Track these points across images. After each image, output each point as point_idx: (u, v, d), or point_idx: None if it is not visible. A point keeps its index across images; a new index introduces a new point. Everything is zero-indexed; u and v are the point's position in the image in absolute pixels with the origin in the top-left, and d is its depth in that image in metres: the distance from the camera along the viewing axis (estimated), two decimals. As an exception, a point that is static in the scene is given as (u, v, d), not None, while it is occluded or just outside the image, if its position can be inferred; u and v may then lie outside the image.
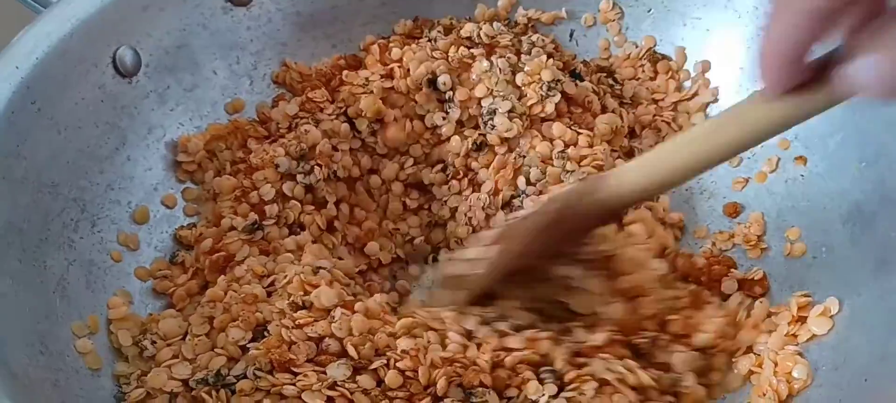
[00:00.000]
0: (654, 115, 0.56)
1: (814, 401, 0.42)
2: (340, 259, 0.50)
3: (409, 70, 0.55)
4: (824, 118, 0.49)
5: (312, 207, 0.52)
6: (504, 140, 0.53)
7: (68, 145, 0.47)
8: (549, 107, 0.53)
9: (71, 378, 0.40)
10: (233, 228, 0.50)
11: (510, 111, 0.53)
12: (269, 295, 0.45)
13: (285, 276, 0.45)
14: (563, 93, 0.54)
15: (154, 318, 0.45)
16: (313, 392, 0.39)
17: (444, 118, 0.55)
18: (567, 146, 0.53)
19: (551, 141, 0.53)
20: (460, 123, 0.55)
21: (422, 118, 0.55)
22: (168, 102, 0.53)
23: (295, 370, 0.41)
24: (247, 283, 0.46)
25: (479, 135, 0.54)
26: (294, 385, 0.40)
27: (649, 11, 0.58)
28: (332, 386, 0.40)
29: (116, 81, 0.50)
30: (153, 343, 0.44)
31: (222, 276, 0.47)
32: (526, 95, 0.53)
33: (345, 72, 0.56)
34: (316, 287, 0.44)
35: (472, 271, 0.45)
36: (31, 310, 0.41)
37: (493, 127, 0.53)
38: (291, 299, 0.43)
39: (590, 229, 0.45)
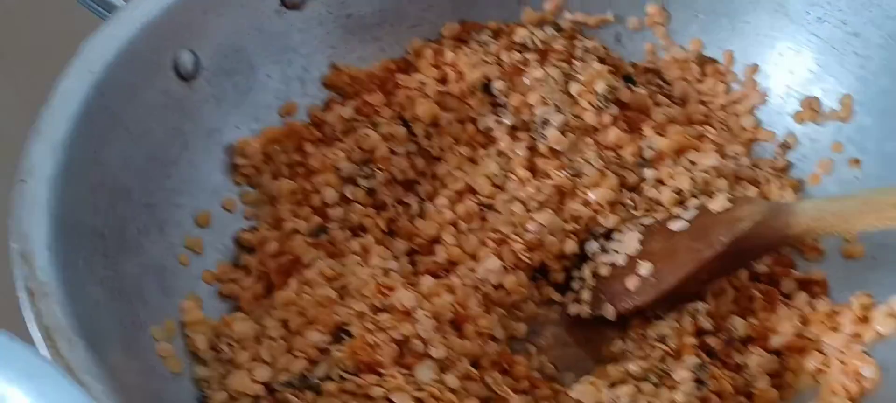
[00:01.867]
0: (705, 116, 0.57)
1: (884, 401, 0.42)
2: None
3: (462, 74, 0.55)
4: (879, 121, 0.51)
5: (373, 210, 0.52)
6: (553, 151, 0.54)
7: (139, 150, 0.47)
8: (606, 119, 0.54)
9: (156, 382, 0.41)
10: (296, 232, 0.50)
11: (564, 124, 0.53)
12: (341, 297, 0.46)
13: (358, 278, 0.45)
14: (616, 100, 0.54)
15: (226, 321, 0.45)
16: (403, 392, 0.40)
17: (497, 122, 0.55)
18: (619, 149, 0.54)
19: (607, 148, 0.54)
20: (513, 128, 0.55)
21: (475, 122, 0.56)
22: (224, 105, 0.53)
23: (381, 371, 0.41)
24: (318, 286, 0.46)
25: (531, 138, 0.54)
26: (381, 386, 0.40)
27: (696, 15, 0.59)
28: (420, 388, 0.40)
29: (178, 85, 0.50)
30: (230, 346, 0.44)
31: (292, 279, 0.47)
32: (579, 104, 0.54)
33: (399, 75, 0.57)
34: (391, 289, 0.44)
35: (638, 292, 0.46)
36: (119, 316, 0.41)
37: (545, 137, 0.53)
38: (369, 301, 0.44)
39: (756, 257, 0.46)
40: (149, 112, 0.48)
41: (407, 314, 0.43)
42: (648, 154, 0.53)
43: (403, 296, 0.44)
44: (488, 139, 0.56)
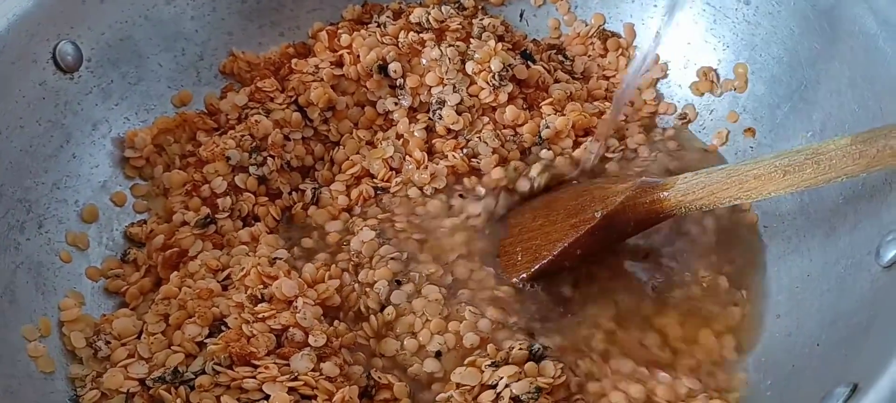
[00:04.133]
0: (607, 90, 0.56)
1: (769, 367, 0.43)
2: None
3: (358, 57, 0.54)
4: (771, 89, 0.51)
5: (266, 198, 0.51)
6: (450, 131, 0.53)
7: (10, 145, 0.45)
8: (502, 97, 0.53)
9: (24, 383, 0.39)
10: (185, 223, 0.49)
11: (459, 104, 0.53)
12: (225, 288, 0.45)
13: (242, 269, 0.44)
14: (513, 78, 0.54)
15: (107, 318, 0.44)
16: (275, 384, 0.39)
17: (395, 104, 0.55)
18: (518, 127, 0.54)
19: (505, 127, 0.53)
20: (412, 109, 0.54)
21: (373, 104, 0.55)
22: (112, 97, 0.52)
23: (255, 363, 0.40)
24: (201, 278, 0.45)
25: (428, 119, 0.54)
26: (255, 378, 0.39)
27: (598, -10, 0.59)
28: (295, 377, 0.39)
29: (58, 77, 0.49)
30: (107, 343, 0.43)
31: (175, 272, 0.46)
32: (476, 83, 0.53)
33: (294, 60, 0.56)
34: (274, 278, 0.43)
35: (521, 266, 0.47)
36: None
37: (441, 117, 0.53)
38: (250, 292, 0.43)
39: (631, 232, 0.46)
40: (22, 106, 0.46)
41: (288, 303, 0.42)
42: (546, 133, 0.53)
43: (285, 285, 0.43)
44: (388, 122, 0.55)
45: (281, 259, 0.46)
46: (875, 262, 0.39)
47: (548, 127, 0.53)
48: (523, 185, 0.51)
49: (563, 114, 0.53)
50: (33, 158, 0.47)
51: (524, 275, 0.47)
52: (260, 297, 0.43)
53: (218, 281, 0.45)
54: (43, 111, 0.48)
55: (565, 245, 0.46)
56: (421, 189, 0.52)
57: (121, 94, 0.52)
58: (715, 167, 0.44)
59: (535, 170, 0.51)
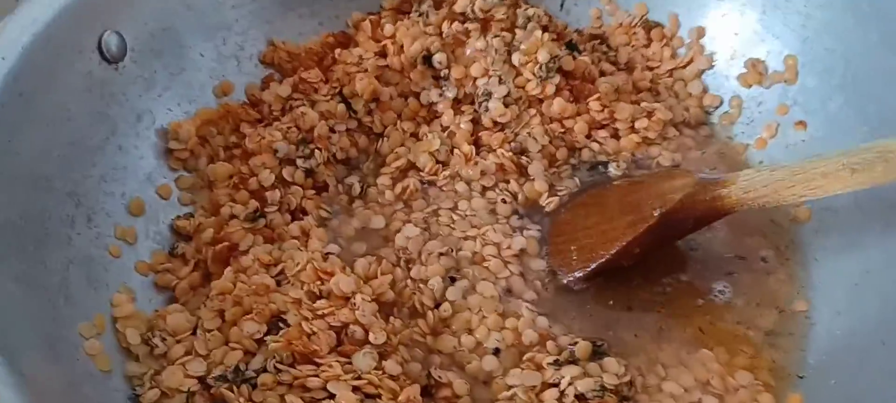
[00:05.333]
0: (651, 81, 0.56)
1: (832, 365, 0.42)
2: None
3: (402, 47, 0.54)
4: (823, 81, 0.51)
5: (313, 192, 0.51)
6: (497, 123, 0.52)
7: (58, 137, 0.45)
8: (550, 89, 0.52)
9: (83, 381, 0.39)
10: (233, 217, 0.48)
11: (506, 96, 0.52)
12: (279, 284, 0.44)
13: (295, 264, 0.44)
14: (559, 69, 0.53)
15: (161, 314, 0.44)
16: (339, 383, 0.38)
17: (440, 95, 0.54)
18: (565, 120, 0.53)
19: (552, 120, 0.53)
20: (457, 101, 0.54)
21: (417, 96, 0.54)
22: (155, 87, 0.51)
23: (318, 361, 0.39)
24: (255, 273, 0.44)
25: (474, 111, 0.53)
26: (318, 376, 0.39)
27: (641, -21, 0.58)
28: (359, 376, 0.39)
29: (103, 68, 0.48)
30: (163, 340, 0.42)
31: (228, 267, 0.45)
32: (522, 75, 0.53)
33: (337, 50, 0.55)
34: (330, 274, 0.43)
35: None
36: (39, 313, 0.39)
37: (487, 109, 0.52)
38: (307, 288, 0.42)
39: (688, 230, 0.46)
40: (69, 97, 0.46)
41: (345, 300, 0.42)
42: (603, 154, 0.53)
43: (342, 281, 0.42)
44: (432, 113, 0.54)
45: (333, 254, 0.46)
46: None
47: (604, 150, 0.52)
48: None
49: (609, 107, 0.53)
50: (81, 150, 0.46)
51: (580, 274, 0.46)
52: (318, 294, 0.42)
53: (272, 276, 0.44)
54: (89, 102, 0.47)
55: (623, 244, 0.45)
56: (469, 184, 0.51)
57: (164, 85, 0.51)
58: (777, 165, 0.43)
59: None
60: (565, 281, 0.47)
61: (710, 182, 0.44)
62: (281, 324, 0.41)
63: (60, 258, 0.42)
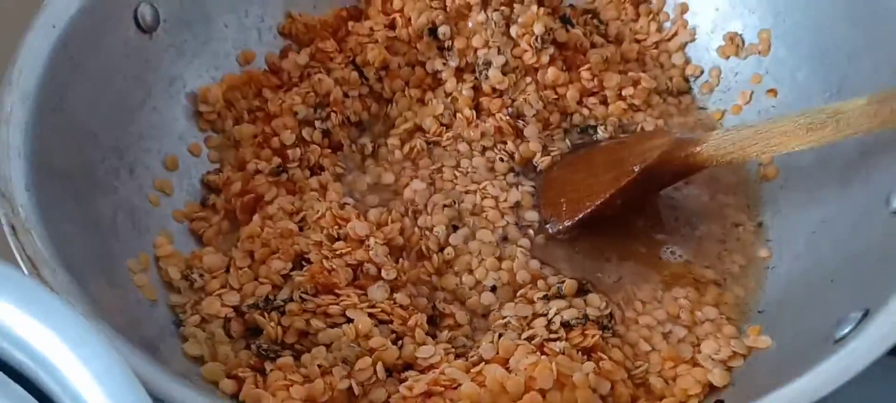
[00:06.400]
0: (638, 53, 0.61)
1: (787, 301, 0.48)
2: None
3: (410, 20, 0.59)
4: (792, 52, 0.56)
5: (329, 150, 0.56)
6: (496, 89, 0.58)
7: (102, 97, 0.50)
8: (544, 59, 0.58)
9: (134, 307, 0.44)
10: (259, 172, 0.54)
11: (504, 65, 0.57)
12: (301, 229, 0.50)
13: (316, 212, 0.49)
14: (553, 41, 0.58)
15: (197, 255, 0.49)
16: (356, 310, 0.44)
17: (444, 64, 0.59)
18: (560, 87, 0.58)
19: (546, 88, 0.58)
20: (459, 69, 0.59)
21: (423, 65, 0.60)
22: (186, 55, 0.56)
23: (337, 292, 0.45)
24: (280, 220, 0.50)
25: (475, 79, 0.58)
26: (338, 304, 0.44)
27: (631, -45, 0.63)
28: (373, 305, 0.45)
29: (138, 36, 0.53)
30: (201, 275, 0.48)
31: (255, 215, 0.51)
32: (519, 46, 0.58)
33: (350, 23, 0.60)
34: (347, 220, 0.49)
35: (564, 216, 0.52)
36: (95, 250, 0.44)
37: (487, 77, 0.57)
38: (326, 232, 0.48)
39: (666, 184, 0.51)
40: (111, 62, 0.51)
41: (360, 242, 0.48)
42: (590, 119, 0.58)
43: (357, 226, 0.48)
44: (436, 81, 0.60)
45: (349, 204, 0.51)
46: (885, 209, 0.44)
47: (593, 115, 0.57)
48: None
49: (598, 76, 0.58)
50: (121, 110, 0.51)
51: (568, 224, 0.52)
52: (336, 236, 0.48)
53: (294, 223, 0.50)
54: (128, 67, 0.52)
55: (607, 196, 0.51)
56: (470, 144, 0.57)
57: (193, 53, 0.56)
58: (744, 125, 0.49)
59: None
60: (554, 231, 0.52)
61: (685, 140, 0.50)
62: (304, 263, 0.47)
63: (108, 204, 0.48)
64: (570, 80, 0.58)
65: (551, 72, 0.58)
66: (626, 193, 0.50)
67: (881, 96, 0.43)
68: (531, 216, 0.53)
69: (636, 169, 0.50)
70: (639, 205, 0.52)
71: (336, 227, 0.48)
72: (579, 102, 0.58)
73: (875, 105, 0.43)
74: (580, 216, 0.51)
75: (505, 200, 0.54)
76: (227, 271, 0.48)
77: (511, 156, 0.56)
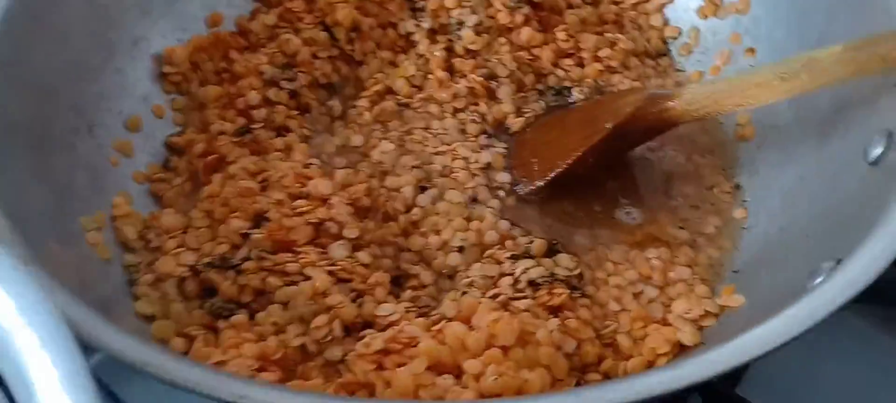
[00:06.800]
0: (616, 15, 0.59)
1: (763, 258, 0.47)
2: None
3: (380, -23, 0.57)
4: (769, 11, 0.54)
5: (297, 112, 0.55)
6: (469, 50, 0.56)
7: (62, 53, 0.48)
8: (519, 19, 0.56)
9: (87, 265, 0.43)
10: (223, 133, 0.52)
11: (478, 25, 0.56)
12: (263, 189, 0.48)
13: (279, 171, 0.48)
14: (530, 1, 0.57)
15: (155, 215, 0.48)
16: (315, 268, 0.43)
17: (416, 26, 0.58)
18: (533, 49, 0.57)
19: (520, 48, 0.56)
20: (432, 31, 0.58)
21: (395, 26, 0.58)
22: (151, 15, 0.55)
23: (296, 250, 0.44)
24: (241, 180, 0.49)
25: (448, 40, 0.57)
26: (296, 262, 0.43)
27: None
28: (333, 263, 0.43)
29: (101, -7, 0.52)
30: (158, 236, 0.46)
31: (217, 174, 0.50)
32: (493, 6, 0.56)
33: (321, -18, 0.58)
34: (310, 178, 0.47)
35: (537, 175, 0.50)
36: (48, 202, 0.43)
37: (460, 38, 0.56)
38: (288, 191, 0.46)
39: (641, 140, 0.50)
40: (72, 18, 0.50)
41: (323, 200, 0.46)
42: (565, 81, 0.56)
43: (320, 184, 0.47)
44: (409, 43, 0.58)
45: (314, 164, 0.50)
46: (863, 161, 0.43)
47: (571, 81, 0.56)
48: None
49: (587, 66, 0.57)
50: (82, 69, 0.50)
51: (541, 183, 0.50)
52: (297, 195, 0.47)
53: (256, 182, 0.48)
54: (89, 24, 0.51)
55: (578, 154, 0.49)
56: (441, 106, 0.55)
57: (159, 13, 0.55)
58: (718, 77, 0.47)
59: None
60: (524, 191, 0.51)
61: (658, 95, 0.49)
62: (264, 222, 0.46)
63: (66, 160, 0.46)
64: (545, 41, 0.57)
65: (525, 33, 0.56)
66: (598, 151, 0.49)
67: (856, 44, 0.42)
68: (503, 177, 0.52)
69: (608, 126, 0.48)
70: (612, 163, 0.51)
71: (298, 186, 0.47)
72: (555, 64, 0.57)
73: (850, 52, 0.42)
74: (550, 175, 0.50)
75: (475, 161, 0.52)
76: (186, 232, 0.47)
77: (483, 117, 0.55)
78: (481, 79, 0.55)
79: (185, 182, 0.51)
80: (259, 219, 0.46)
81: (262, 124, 0.53)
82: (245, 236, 0.46)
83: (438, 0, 0.57)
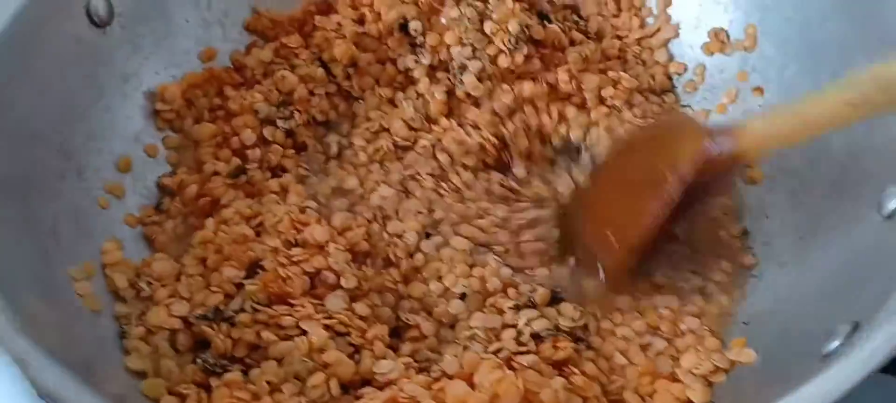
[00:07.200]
0: (620, 50, 0.58)
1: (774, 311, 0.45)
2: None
3: (380, 14, 0.56)
4: (780, 49, 0.53)
5: (293, 151, 0.53)
6: (470, 96, 0.55)
7: (49, 96, 0.47)
8: (518, 59, 0.55)
9: (74, 319, 0.41)
10: (216, 173, 0.51)
11: (481, 70, 0.54)
12: (259, 235, 0.47)
13: (275, 216, 0.47)
14: (530, 39, 0.55)
15: (147, 262, 0.46)
16: (311, 321, 0.41)
17: (415, 62, 0.56)
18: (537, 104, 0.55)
19: (524, 102, 0.55)
20: (432, 67, 0.56)
21: (394, 62, 0.57)
22: (142, 51, 0.53)
23: (292, 302, 0.42)
24: (235, 224, 0.47)
25: (448, 81, 0.55)
26: (292, 315, 0.42)
27: (611, -50, 0.60)
28: (330, 316, 0.42)
29: (91, 31, 0.50)
30: (149, 284, 0.45)
31: (210, 219, 0.48)
32: (494, 43, 0.55)
33: (317, 17, 0.57)
34: (306, 224, 0.46)
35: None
36: (32, 255, 0.41)
37: (462, 82, 0.55)
38: (283, 237, 0.45)
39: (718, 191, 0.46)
40: (60, 59, 0.48)
41: (320, 248, 0.45)
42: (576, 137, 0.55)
43: (316, 231, 0.45)
44: (408, 79, 0.57)
45: (311, 208, 0.48)
46: (877, 213, 0.42)
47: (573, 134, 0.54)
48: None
49: (576, 77, 0.55)
50: (70, 109, 0.48)
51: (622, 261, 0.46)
52: (293, 242, 0.45)
53: (251, 227, 0.47)
54: (78, 64, 0.49)
55: (648, 229, 0.45)
56: (451, 156, 0.54)
57: (150, 49, 0.53)
58: (777, 108, 0.44)
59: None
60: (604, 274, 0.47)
61: (721, 131, 0.44)
62: (258, 270, 0.44)
63: (50, 207, 0.45)
64: (548, 94, 0.55)
65: (527, 87, 0.55)
66: (674, 214, 0.44)
67: None
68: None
69: (674, 191, 0.43)
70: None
71: (294, 232, 0.45)
72: (561, 117, 0.55)
73: None
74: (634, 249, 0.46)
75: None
76: (179, 279, 0.45)
77: (500, 184, 0.53)
78: (494, 140, 0.54)
79: (178, 225, 0.49)
80: (254, 268, 0.44)
81: (257, 164, 0.51)
82: (239, 285, 0.44)
83: (437, 37, 0.56)
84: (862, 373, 0.32)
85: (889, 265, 0.37)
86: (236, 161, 0.51)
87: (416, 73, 0.56)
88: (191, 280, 0.45)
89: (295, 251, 0.44)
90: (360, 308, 0.43)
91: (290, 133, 0.53)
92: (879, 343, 0.33)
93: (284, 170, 0.52)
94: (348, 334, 0.42)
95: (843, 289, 0.40)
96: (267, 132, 0.52)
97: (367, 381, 0.41)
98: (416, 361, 0.42)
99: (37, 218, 0.43)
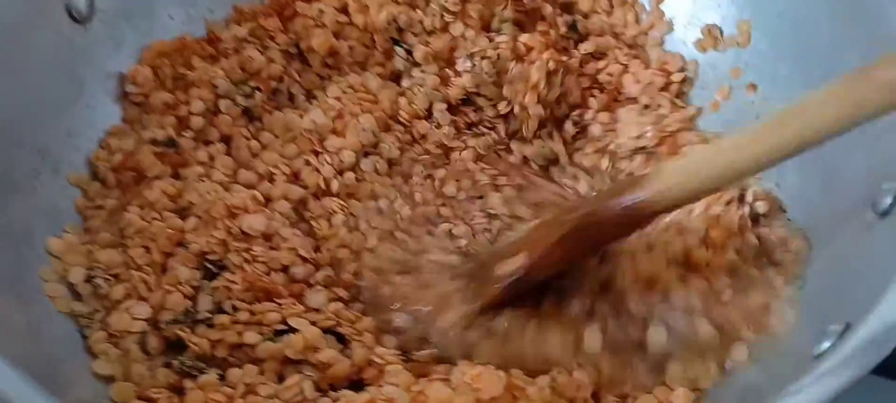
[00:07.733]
0: (614, 47, 0.57)
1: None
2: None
3: (367, 6, 0.54)
4: (773, 45, 0.52)
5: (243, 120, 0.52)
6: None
7: (28, 94, 0.46)
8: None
9: (43, 322, 0.40)
10: (151, 141, 0.49)
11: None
12: (183, 218, 0.45)
13: (203, 198, 0.45)
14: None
15: (91, 251, 0.44)
16: (299, 318, 0.40)
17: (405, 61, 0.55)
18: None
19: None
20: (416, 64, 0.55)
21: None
22: (125, 48, 0.52)
23: (278, 300, 0.41)
24: (162, 209, 0.45)
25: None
26: (278, 313, 0.41)
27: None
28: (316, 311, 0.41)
29: (72, 27, 0.49)
30: (105, 280, 0.43)
31: (134, 206, 0.46)
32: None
33: (299, 3, 0.55)
34: (243, 209, 0.45)
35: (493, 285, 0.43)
36: (3, 258, 0.40)
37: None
38: (227, 228, 0.44)
39: (618, 236, 0.42)
40: (39, 55, 0.47)
41: (265, 238, 0.44)
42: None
43: (256, 221, 0.44)
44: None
45: (240, 184, 0.47)
46: (871, 211, 0.40)
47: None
48: None
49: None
50: (50, 107, 0.48)
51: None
52: (241, 232, 0.44)
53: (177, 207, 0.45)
54: (58, 60, 0.49)
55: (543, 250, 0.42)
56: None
57: (133, 46, 0.53)
58: (693, 152, 0.43)
59: None
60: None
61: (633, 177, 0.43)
62: (208, 264, 0.43)
63: (26, 207, 0.44)
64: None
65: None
66: (567, 249, 0.42)
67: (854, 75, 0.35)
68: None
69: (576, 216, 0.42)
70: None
71: (231, 221, 0.44)
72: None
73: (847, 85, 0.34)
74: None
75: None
76: (129, 268, 0.43)
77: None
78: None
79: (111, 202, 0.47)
80: (204, 262, 0.43)
81: (194, 135, 0.50)
82: (196, 287, 0.43)
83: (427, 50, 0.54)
84: (853, 375, 0.31)
85: (881, 264, 0.36)
86: (171, 132, 0.49)
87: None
88: (145, 276, 0.43)
89: (258, 248, 0.43)
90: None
91: (246, 111, 0.52)
92: (871, 345, 0.32)
93: (228, 141, 0.50)
94: (339, 326, 0.41)
95: (836, 289, 0.39)
96: (222, 104, 0.51)
97: (352, 379, 0.40)
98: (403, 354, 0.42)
99: (11, 217, 0.42)
